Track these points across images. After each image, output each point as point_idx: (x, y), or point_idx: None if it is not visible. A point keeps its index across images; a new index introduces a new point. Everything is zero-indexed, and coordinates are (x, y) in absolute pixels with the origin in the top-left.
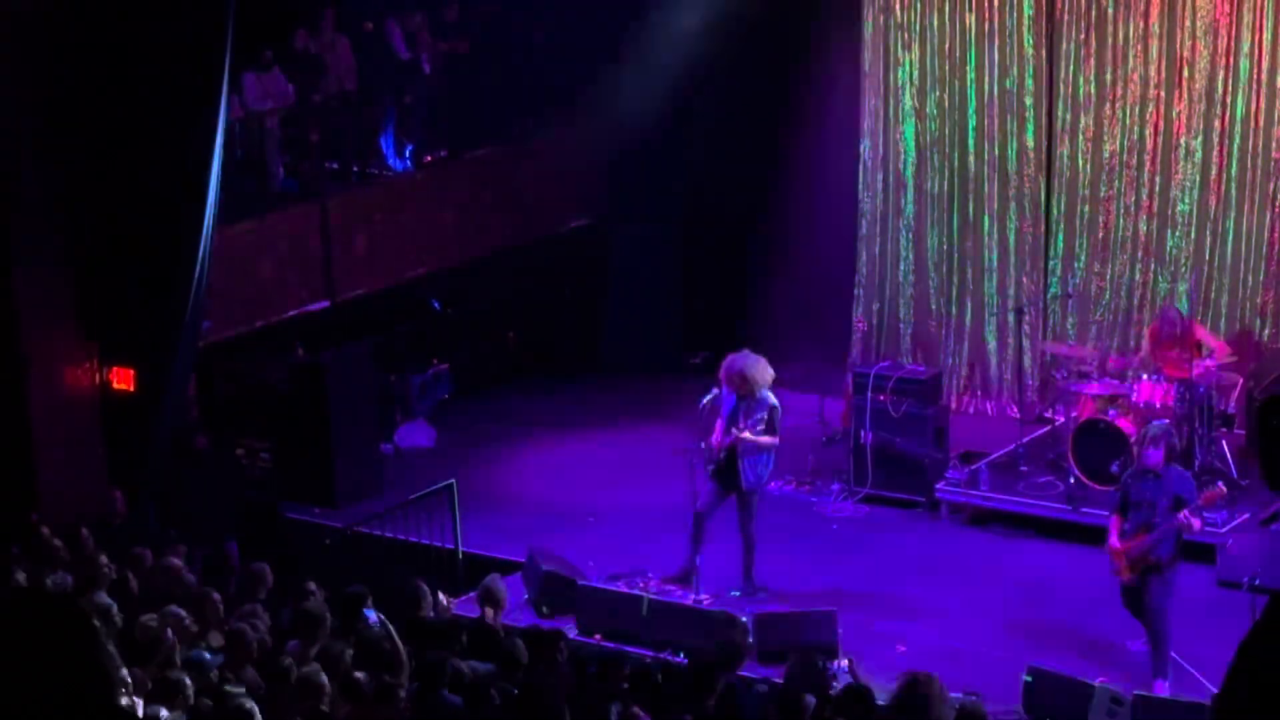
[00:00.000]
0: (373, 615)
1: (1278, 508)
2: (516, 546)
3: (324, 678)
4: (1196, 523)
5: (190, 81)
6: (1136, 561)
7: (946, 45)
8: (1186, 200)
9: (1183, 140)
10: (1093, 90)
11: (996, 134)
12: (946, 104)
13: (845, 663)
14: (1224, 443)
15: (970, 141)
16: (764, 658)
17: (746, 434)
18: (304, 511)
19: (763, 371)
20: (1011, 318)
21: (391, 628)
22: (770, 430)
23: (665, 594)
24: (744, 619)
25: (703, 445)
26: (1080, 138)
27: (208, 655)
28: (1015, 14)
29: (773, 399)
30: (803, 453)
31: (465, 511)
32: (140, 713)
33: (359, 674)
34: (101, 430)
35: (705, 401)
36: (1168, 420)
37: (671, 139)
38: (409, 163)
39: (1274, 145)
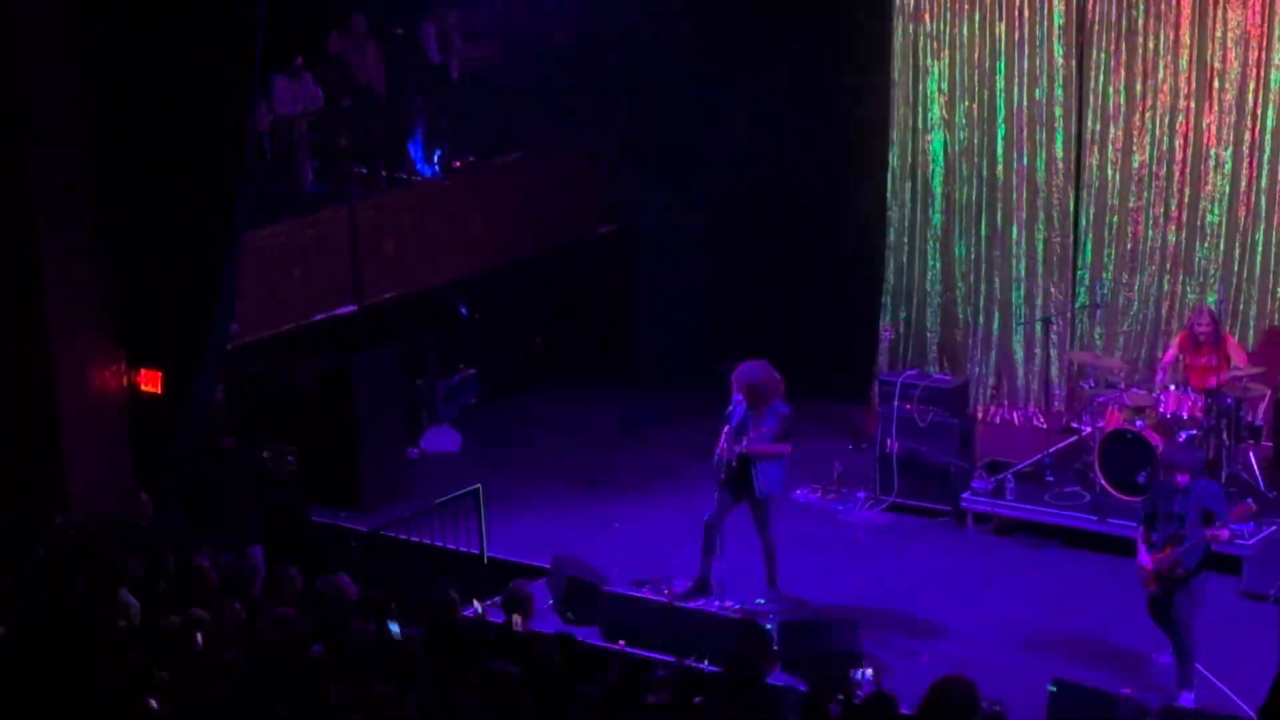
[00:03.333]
0: (395, 628)
1: None
2: (541, 552)
3: (330, 684)
4: (1224, 533)
5: (220, 85)
6: (1164, 574)
7: (976, 55)
8: (1216, 211)
9: (1212, 151)
10: (1122, 100)
11: (1025, 144)
12: (975, 113)
13: (869, 671)
14: (1251, 454)
15: (999, 151)
16: (788, 665)
17: (754, 446)
18: (330, 515)
19: (774, 383)
20: (1039, 327)
21: (414, 647)
22: (782, 438)
23: (689, 600)
24: (768, 627)
25: (716, 453)
26: (1109, 148)
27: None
28: (1045, 24)
29: (784, 408)
30: (828, 461)
31: (490, 516)
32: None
33: (380, 686)
34: (129, 432)
35: (731, 409)
36: (1194, 431)
37: (699, 145)
38: (437, 168)
39: None
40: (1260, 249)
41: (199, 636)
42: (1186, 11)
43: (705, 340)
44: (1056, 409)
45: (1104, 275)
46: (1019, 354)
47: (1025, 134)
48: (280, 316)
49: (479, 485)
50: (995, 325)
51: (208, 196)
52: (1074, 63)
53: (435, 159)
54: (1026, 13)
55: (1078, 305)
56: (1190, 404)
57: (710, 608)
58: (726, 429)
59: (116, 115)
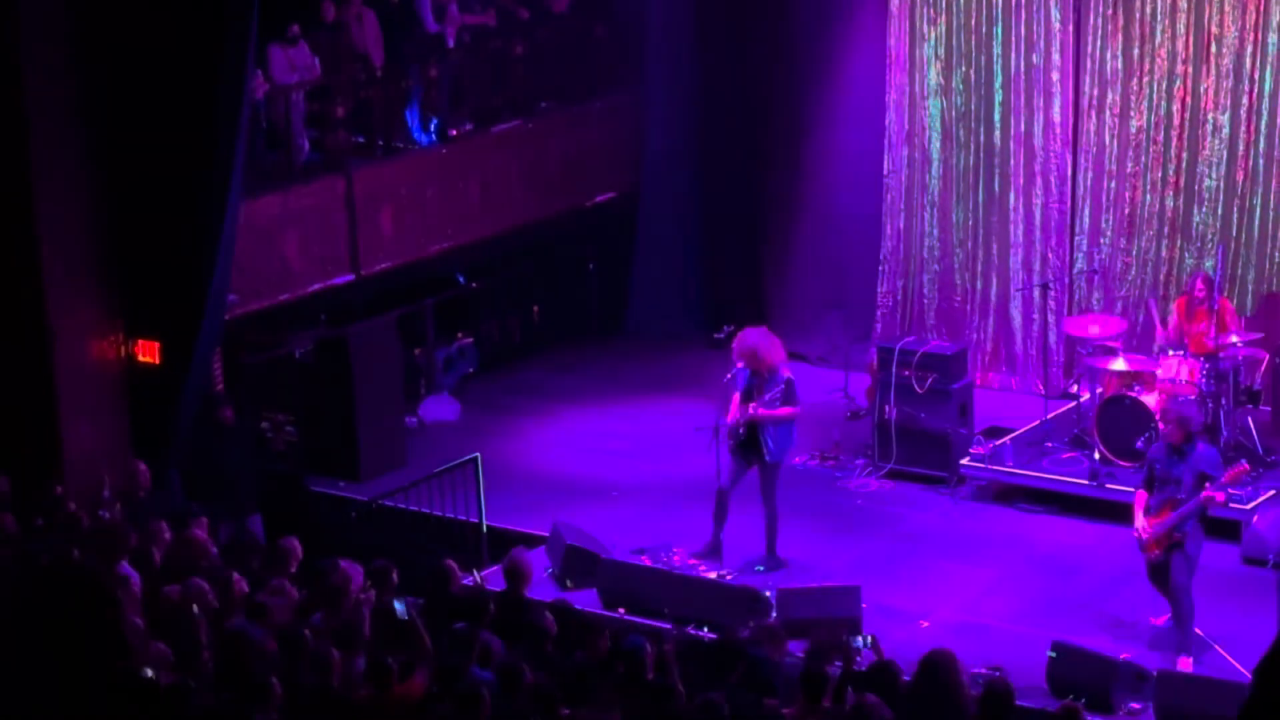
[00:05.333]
0: (400, 606)
1: None
2: (540, 520)
3: (334, 653)
4: (1221, 496)
5: (216, 54)
6: (1162, 538)
7: (972, 20)
8: (1213, 176)
9: (1210, 116)
10: (1119, 65)
11: (1022, 109)
12: (972, 79)
13: (869, 638)
14: (1249, 419)
15: (996, 116)
16: (787, 632)
17: (761, 410)
18: (328, 485)
19: (776, 349)
20: (1037, 293)
21: (419, 621)
22: (788, 402)
23: (689, 568)
24: (767, 594)
25: (724, 422)
26: (1107, 113)
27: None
28: None
29: (787, 373)
30: (827, 428)
31: (489, 485)
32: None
33: (389, 660)
34: (126, 403)
35: (729, 377)
36: (1192, 395)
37: (696, 113)
38: (434, 137)
39: None
40: (1258, 213)
41: (195, 608)
42: None
43: (703, 308)
44: (1055, 374)
45: (1101, 240)
46: (1017, 320)
47: (1023, 99)
48: (278, 287)
49: (477, 454)
50: (993, 291)
51: (205, 166)
52: (1071, 28)
53: (432, 128)
54: None
55: (1076, 271)
56: (1189, 369)
57: (708, 574)
58: (734, 396)
59: (114, 85)
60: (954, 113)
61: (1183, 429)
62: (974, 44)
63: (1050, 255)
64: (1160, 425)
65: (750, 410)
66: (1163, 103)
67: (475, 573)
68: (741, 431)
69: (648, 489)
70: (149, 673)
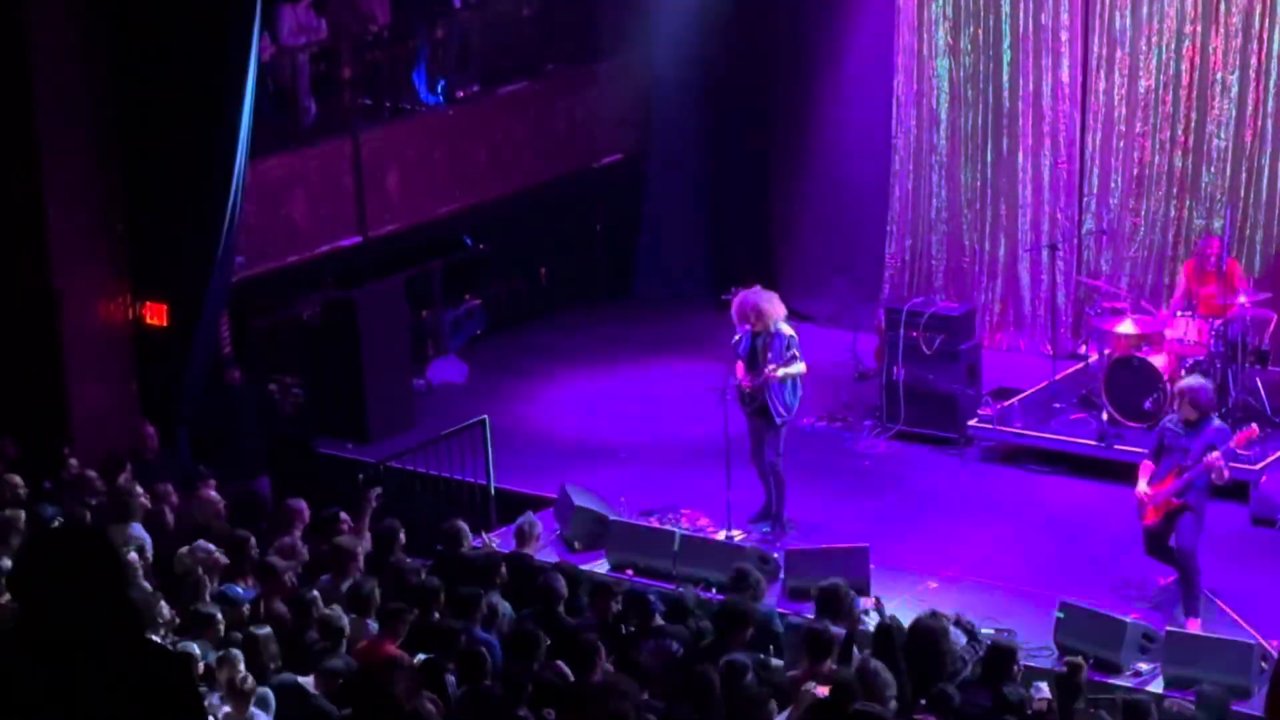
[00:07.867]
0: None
1: None
2: (548, 482)
3: (344, 619)
4: (1226, 472)
5: (224, 15)
6: (1162, 505)
7: None
8: (1222, 136)
9: (1219, 75)
10: (1128, 24)
11: (1031, 69)
12: (981, 39)
13: (874, 600)
14: (1258, 380)
15: (1004, 77)
16: (795, 594)
17: (779, 371)
18: (336, 446)
19: (775, 305)
20: (1045, 254)
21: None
22: (794, 359)
23: (697, 530)
24: (775, 555)
25: (736, 386)
26: (1115, 73)
27: (240, 590)
28: None
29: (788, 329)
30: (835, 389)
31: (497, 447)
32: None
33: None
34: (134, 365)
35: (736, 341)
36: (1202, 358)
37: (704, 75)
38: (441, 98)
39: None
40: (1267, 173)
41: (200, 570)
42: None
43: (711, 269)
44: (1063, 335)
45: (1110, 201)
46: (1025, 280)
47: (1031, 60)
48: (285, 249)
49: (485, 416)
50: (1001, 252)
51: (213, 128)
52: None
53: (439, 89)
54: None
55: (1084, 231)
56: (1198, 330)
57: (716, 534)
58: (739, 364)
59: (122, 46)
60: (962, 73)
61: (1196, 408)
62: (982, 3)
63: (1059, 216)
64: (1168, 393)
65: (767, 373)
66: (1171, 62)
67: (484, 535)
68: (758, 399)
69: (655, 450)
70: (158, 639)
